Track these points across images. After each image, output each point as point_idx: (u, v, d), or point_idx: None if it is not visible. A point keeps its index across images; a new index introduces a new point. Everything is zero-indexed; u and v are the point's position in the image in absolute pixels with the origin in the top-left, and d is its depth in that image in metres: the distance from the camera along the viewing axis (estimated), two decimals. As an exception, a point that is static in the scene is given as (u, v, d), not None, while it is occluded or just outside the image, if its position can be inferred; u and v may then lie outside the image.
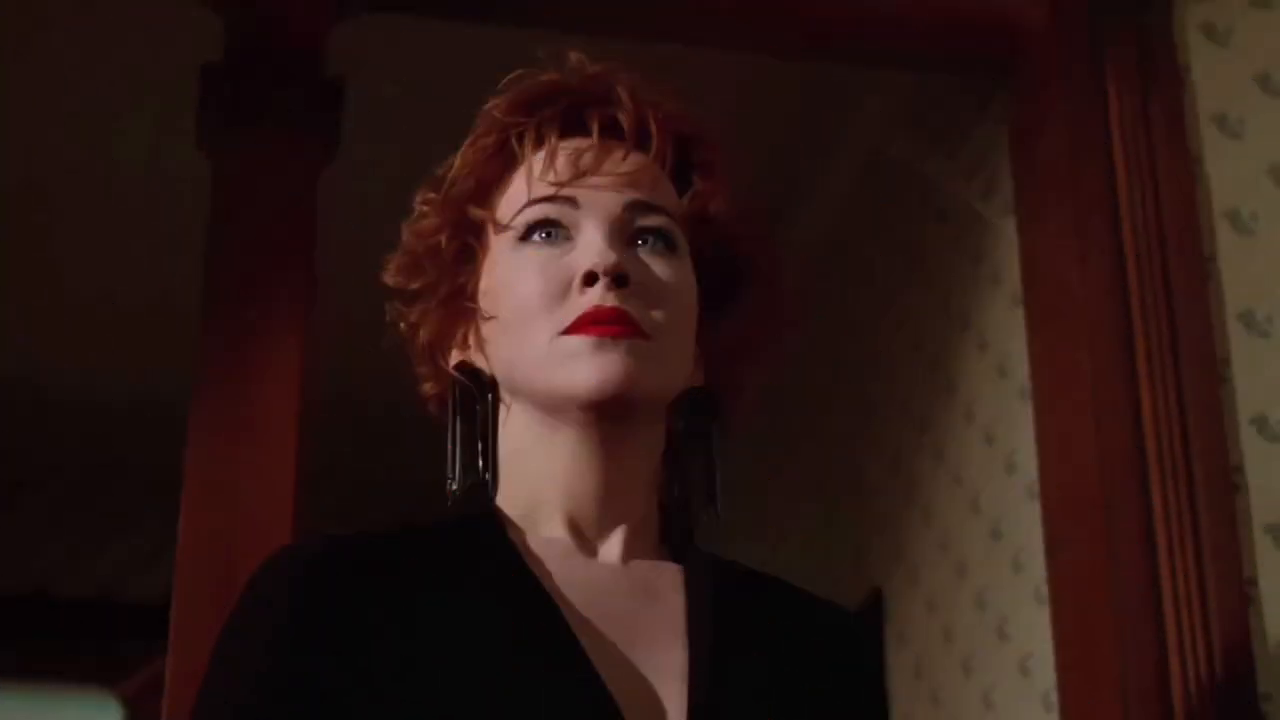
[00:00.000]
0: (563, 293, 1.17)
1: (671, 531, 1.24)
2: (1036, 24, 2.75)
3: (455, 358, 1.25)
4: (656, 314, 1.17)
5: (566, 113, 1.24)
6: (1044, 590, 2.66)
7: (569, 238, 1.20)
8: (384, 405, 2.80)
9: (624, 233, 1.20)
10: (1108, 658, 2.38)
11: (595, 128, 1.22)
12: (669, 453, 1.24)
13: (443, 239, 1.24)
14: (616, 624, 1.14)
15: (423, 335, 1.26)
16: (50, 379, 4.69)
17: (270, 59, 2.54)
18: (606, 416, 1.16)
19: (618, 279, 1.16)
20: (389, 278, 1.28)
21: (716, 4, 2.81)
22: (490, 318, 1.21)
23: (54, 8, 3.35)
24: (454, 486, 1.23)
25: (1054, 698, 2.58)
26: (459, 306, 1.24)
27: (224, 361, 2.37)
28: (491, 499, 1.21)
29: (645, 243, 1.20)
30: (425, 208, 1.27)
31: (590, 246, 1.18)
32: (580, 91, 1.25)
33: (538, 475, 1.20)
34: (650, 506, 1.22)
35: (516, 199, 1.22)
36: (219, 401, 2.35)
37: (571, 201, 1.20)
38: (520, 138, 1.23)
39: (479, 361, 1.23)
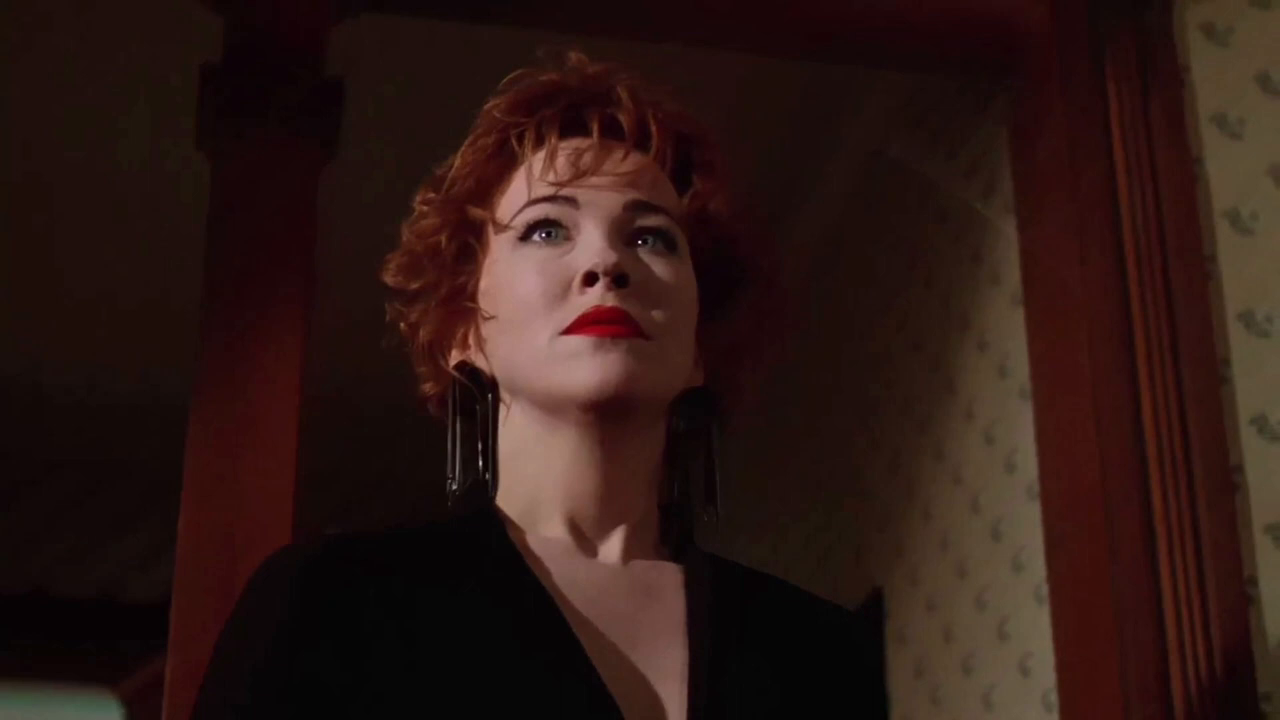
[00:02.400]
0: (563, 292, 1.17)
1: (671, 531, 1.24)
2: (1036, 24, 2.75)
3: (455, 357, 1.25)
4: (656, 314, 1.17)
5: (566, 113, 1.24)
6: (1044, 590, 2.66)
7: (569, 238, 1.19)
8: (384, 405, 2.80)
9: (624, 232, 1.20)
10: (1108, 658, 2.38)
11: (595, 128, 1.22)
12: (669, 452, 1.24)
13: (443, 239, 1.24)
14: (616, 624, 1.14)
15: (423, 335, 1.26)
16: (50, 379, 4.69)
17: (270, 59, 2.54)
18: (606, 416, 1.16)
19: (618, 279, 1.16)
20: (389, 278, 1.28)
21: (716, 4, 2.81)
22: (490, 317, 1.21)
23: (54, 8, 3.35)
24: (454, 486, 1.23)
25: (1054, 698, 2.58)
26: (459, 306, 1.24)
27: (224, 361, 2.37)
28: (491, 498, 1.21)
29: (645, 243, 1.20)
30: (425, 208, 1.27)
31: (590, 246, 1.18)
32: (580, 91, 1.25)
33: (538, 475, 1.20)
34: (650, 506, 1.22)
35: (516, 199, 1.22)
36: (219, 401, 2.35)
37: (571, 201, 1.20)
38: (520, 138, 1.23)
39: (479, 361, 1.23)
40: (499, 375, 1.22)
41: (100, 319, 4.39)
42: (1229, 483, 2.41)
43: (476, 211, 1.24)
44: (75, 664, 5.20)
